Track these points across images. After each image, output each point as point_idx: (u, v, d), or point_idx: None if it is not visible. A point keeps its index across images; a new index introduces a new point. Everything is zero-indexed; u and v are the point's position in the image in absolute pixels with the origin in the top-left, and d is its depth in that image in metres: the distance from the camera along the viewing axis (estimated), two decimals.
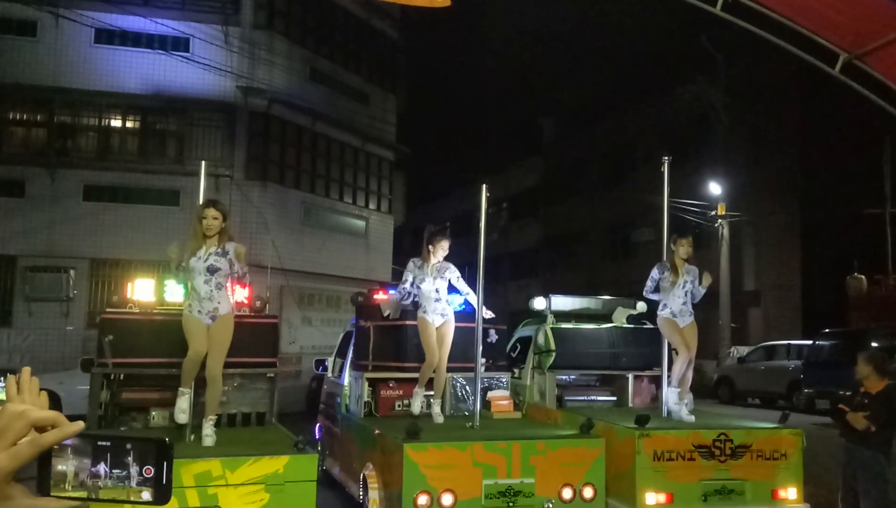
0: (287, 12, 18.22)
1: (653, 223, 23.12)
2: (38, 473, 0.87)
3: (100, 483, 0.88)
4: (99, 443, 0.89)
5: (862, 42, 4.93)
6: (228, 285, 5.42)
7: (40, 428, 0.87)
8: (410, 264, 6.45)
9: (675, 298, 6.53)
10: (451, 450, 5.05)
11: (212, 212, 5.26)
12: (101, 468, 0.88)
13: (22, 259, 15.61)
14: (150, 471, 0.89)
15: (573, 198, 31.72)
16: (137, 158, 16.57)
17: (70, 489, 0.87)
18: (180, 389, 5.25)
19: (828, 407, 14.55)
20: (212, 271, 5.23)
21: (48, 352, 14.84)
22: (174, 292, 6.36)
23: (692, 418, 6.27)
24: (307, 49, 18.60)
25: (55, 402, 12.66)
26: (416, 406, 6.33)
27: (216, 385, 5.27)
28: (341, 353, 8.03)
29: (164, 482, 0.90)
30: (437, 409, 6.29)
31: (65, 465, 0.88)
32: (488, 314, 6.37)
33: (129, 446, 0.89)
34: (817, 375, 15.51)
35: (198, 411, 5.40)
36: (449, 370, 6.47)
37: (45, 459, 0.87)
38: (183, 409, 5.17)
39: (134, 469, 0.89)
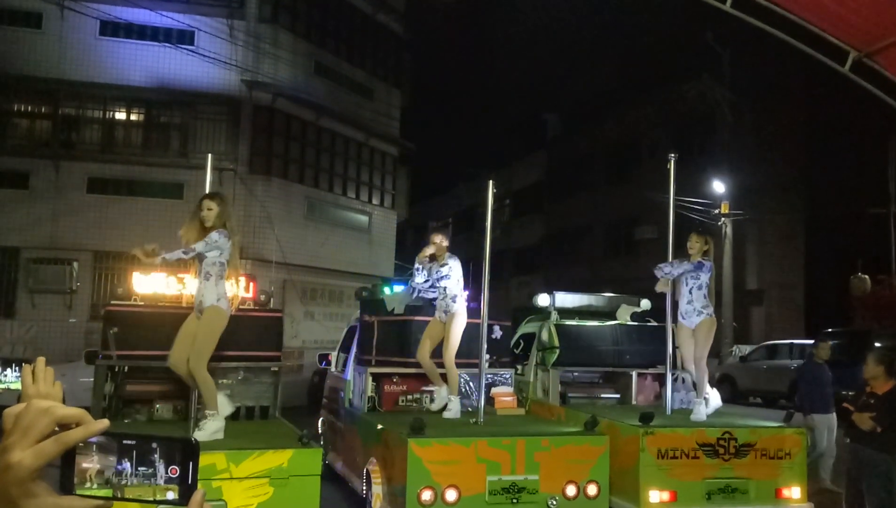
0: (292, 6, 18.19)
1: (656, 221, 23.19)
2: (62, 471, 0.86)
3: (124, 482, 0.87)
4: (124, 442, 0.88)
5: (872, 40, 4.90)
6: (215, 274, 5.19)
7: (65, 426, 0.86)
8: (417, 262, 6.51)
9: (680, 296, 6.52)
10: (455, 446, 5.04)
11: (206, 203, 5.22)
12: (127, 466, 0.87)
13: (25, 251, 15.62)
14: (175, 471, 0.89)
15: (577, 194, 31.68)
16: (142, 151, 16.57)
17: (95, 486, 0.87)
18: (210, 412, 5.11)
19: None
20: (200, 260, 5.19)
21: (51, 344, 14.85)
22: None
23: (702, 417, 6.26)
24: (312, 43, 18.57)
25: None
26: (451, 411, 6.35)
27: (196, 378, 5.09)
28: (345, 348, 8.03)
29: (189, 481, 0.89)
30: (455, 405, 6.29)
31: (89, 463, 0.87)
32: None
33: (154, 445, 0.88)
34: None
35: (200, 404, 5.40)
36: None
37: (69, 457, 0.86)
38: (215, 430, 5.04)
39: (159, 468, 0.88)
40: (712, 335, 6.52)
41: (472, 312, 6.86)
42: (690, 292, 6.47)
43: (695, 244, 6.52)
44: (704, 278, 6.45)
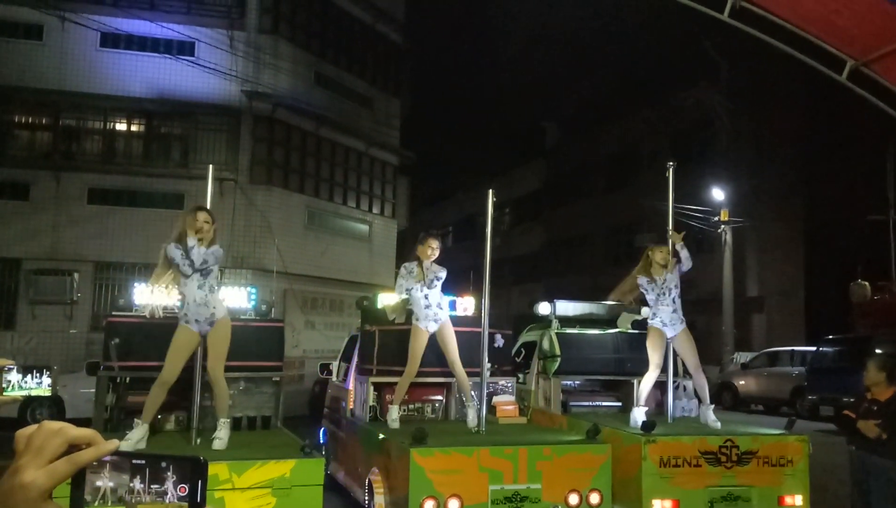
0: (292, 17, 18.28)
1: (656, 228, 23.21)
2: (72, 492, 0.88)
3: (134, 500, 0.88)
4: (134, 461, 0.89)
5: (870, 49, 4.93)
6: (217, 287, 5.34)
7: (76, 446, 0.88)
8: (402, 270, 6.47)
9: (663, 306, 6.51)
10: (457, 455, 5.04)
11: (203, 216, 5.22)
12: (136, 485, 0.89)
13: (26, 262, 15.64)
14: (184, 489, 0.90)
15: (576, 202, 31.73)
16: (142, 162, 16.61)
17: (109, 504, 0.88)
18: (137, 420, 5.07)
19: (831, 414, 14.51)
20: (205, 274, 5.19)
21: (51, 355, 14.84)
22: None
23: (718, 424, 6.29)
24: (312, 53, 18.65)
25: (58, 406, 12.66)
26: (394, 420, 6.25)
27: (220, 386, 5.25)
28: (346, 357, 8.03)
29: (198, 500, 0.90)
30: (472, 414, 6.23)
31: (100, 483, 0.88)
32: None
33: (164, 464, 0.90)
34: (821, 381, 15.46)
35: (203, 414, 5.41)
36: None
37: (79, 477, 0.87)
38: (130, 439, 4.92)
39: (168, 487, 0.89)
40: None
41: (472, 320, 6.87)
42: (674, 301, 6.51)
43: (667, 256, 6.55)
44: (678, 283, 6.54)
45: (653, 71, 25.89)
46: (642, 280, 6.60)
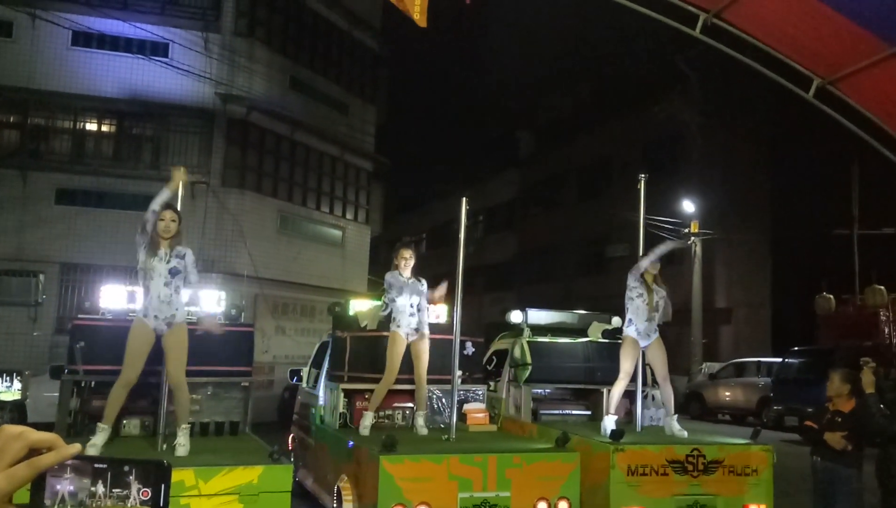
0: (268, 21, 18.19)
1: (627, 239, 23.48)
2: (32, 496, 0.87)
3: (95, 505, 0.87)
4: (96, 465, 0.88)
5: (835, 68, 5.07)
6: (180, 288, 5.26)
7: (37, 450, 0.87)
8: (389, 278, 6.46)
9: (641, 319, 6.54)
10: (427, 463, 5.03)
11: (169, 214, 5.17)
12: (98, 490, 0.88)
13: None
14: (146, 493, 0.89)
15: (549, 212, 31.96)
16: (112, 163, 16.37)
17: None
18: (99, 424, 4.99)
19: (796, 424, 14.77)
20: (173, 273, 5.11)
21: (15, 358, 14.51)
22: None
23: (685, 433, 6.35)
24: (287, 58, 18.57)
25: (20, 410, 12.37)
26: (367, 427, 6.21)
27: (182, 391, 5.15)
28: (317, 363, 7.98)
29: (161, 504, 0.90)
30: (420, 421, 6.27)
31: (62, 485, 0.87)
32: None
33: (126, 468, 0.89)
34: (787, 392, 15.74)
35: (169, 420, 5.33)
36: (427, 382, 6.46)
37: (39, 481, 0.86)
38: (95, 444, 4.82)
39: (130, 492, 0.89)
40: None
41: (444, 328, 6.88)
42: (656, 310, 6.55)
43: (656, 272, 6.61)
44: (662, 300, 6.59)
45: (626, 84, 26.23)
46: (638, 275, 6.52)
